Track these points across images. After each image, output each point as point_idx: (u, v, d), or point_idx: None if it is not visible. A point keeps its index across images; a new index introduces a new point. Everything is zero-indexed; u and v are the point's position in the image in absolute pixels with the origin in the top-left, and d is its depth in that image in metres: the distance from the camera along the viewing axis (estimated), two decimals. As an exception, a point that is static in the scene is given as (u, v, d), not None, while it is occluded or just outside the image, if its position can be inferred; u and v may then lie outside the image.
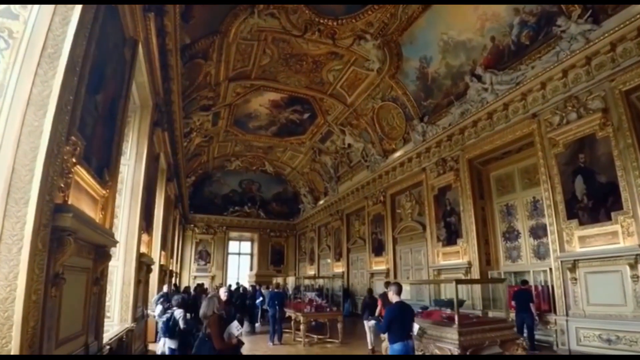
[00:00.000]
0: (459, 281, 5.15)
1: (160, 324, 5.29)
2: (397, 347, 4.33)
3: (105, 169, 3.85)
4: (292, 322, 9.59)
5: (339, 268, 18.03)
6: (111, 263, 5.85)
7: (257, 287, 13.67)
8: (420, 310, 5.31)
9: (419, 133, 12.25)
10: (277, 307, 9.14)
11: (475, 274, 9.89)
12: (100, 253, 3.64)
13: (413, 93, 12.37)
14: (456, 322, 4.25)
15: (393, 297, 4.61)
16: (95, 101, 3.55)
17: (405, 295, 12.96)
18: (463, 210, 10.51)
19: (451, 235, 10.85)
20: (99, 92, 3.61)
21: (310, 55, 12.21)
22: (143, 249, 7.02)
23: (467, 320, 4.64)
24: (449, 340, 4.12)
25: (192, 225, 22.93)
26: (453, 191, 10.97)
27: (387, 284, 8.70)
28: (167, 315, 5.61)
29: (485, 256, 10.09)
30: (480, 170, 10.86)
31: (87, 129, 3.31)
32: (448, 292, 10.76)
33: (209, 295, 4.57)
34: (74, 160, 2.92)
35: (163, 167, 10.55)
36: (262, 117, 16.27)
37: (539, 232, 9.37)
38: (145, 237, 7.15)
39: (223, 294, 4.83)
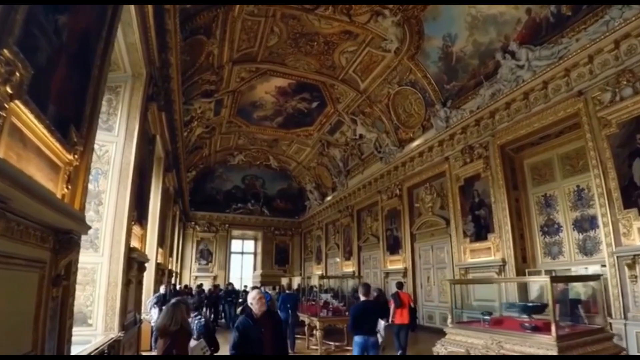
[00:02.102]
0: (554, 278, 4.06)
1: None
2: (358, 340, 4.89)
3: (72, 126, 2.79)
4: (306, 328, 8.51)
5: (349, 267, 16.95)
6: (94, 259, 4.82)
7: (265, 289, 12.67)
8: (486, 318, 4.27)
9: (441, 119, 11.18)
10: (289, 311, 8.07)
11: (511, 272, 8.83)
12: (63, 241, 2.59)
13: (434, 75, 11.30)
14: (553, 334, 3.18)
15: (361, 297, 5.15)
16: (57, 23, 2.50)
17: (424, 297, 11.95)
18: (494, 201, 9.44)
19: (480, 230, 9.78)
20: (63, 12, 2.55)
21: (322, 34, 11.16)
22: (135, 244, 5.97)
23: (561, 330, 3.57)
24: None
25: (192, 222, 21.86)
26: (482, 181, 9.90)
27: (400, 285, 8.57)
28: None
29: (520, 252, 9.03)
30: (513, 157, 9.78)
31: (39, 56, 2.26)
32: (477, 293, 9.74)
33: (172, 301, 3.25)
34: (9, 89, 1.86)
35: (160, 154, 9.50)
36: (268, 106, 15.21)
37: (584, 224, 8.29)
38: (137, 229, 6.09)
39: (253, 298, 3.20)
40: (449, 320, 4.57)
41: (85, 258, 4.79)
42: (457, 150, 10.77)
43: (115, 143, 5.40)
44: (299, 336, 8.74)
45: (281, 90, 14.11)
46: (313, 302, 9.28)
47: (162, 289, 7.89)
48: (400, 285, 8.58)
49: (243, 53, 11.44)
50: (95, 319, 4.71)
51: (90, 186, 5.05)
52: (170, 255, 14.25)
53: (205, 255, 22.20)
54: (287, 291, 8.65)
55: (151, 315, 7.28)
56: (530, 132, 8.97)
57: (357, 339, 4.90)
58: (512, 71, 9.27)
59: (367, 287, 5.24)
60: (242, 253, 24.36)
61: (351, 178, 17.32)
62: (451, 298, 5.29)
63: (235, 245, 23.98)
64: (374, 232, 15.40)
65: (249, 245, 24.69)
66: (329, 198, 19.82)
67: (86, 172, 3.12)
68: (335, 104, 14.61)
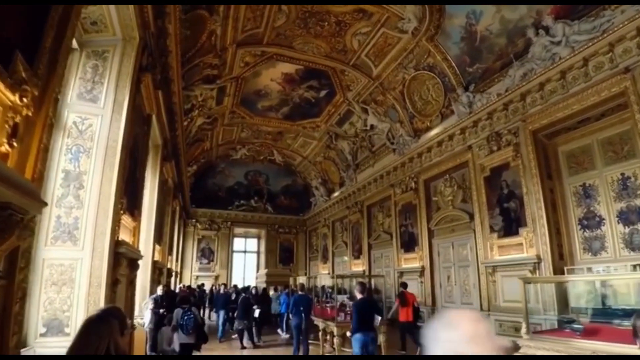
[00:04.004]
0: None
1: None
2: (358, 336, 5.02)
3: (18, 53, 1.91)
4: (320, 333, 7.61)
5: (359, 266, 16.05)
6: (73, 254, 3.96)
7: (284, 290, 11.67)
8: (578, 327, 3.39)
9: (463, 104, 10.29)
10: (302, 315, 7.18)
11: (547, 270, 7.95)
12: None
13: (455, 58, 10.41)
14: None
15: (357, 295, 5.43)
16: None
17: (444, 298, 11.05)
18: (527, 192, 8.56)
19: (510, 224, 8.89)
20: None
21: (333, 13, 10.27)
22: (125, 237, 5.09)
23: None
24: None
25: (193, 220, 20.99)
26: (511, 171, 9.02)
27: (404, 285, 9.01)
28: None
29: (557, 248, 8.15)
30: (546, 144, 8.89)
31: None
32: (506, 293, 8.86)
33: (98, 313, 1.80)
34: None
35: (157, 140, 8.63)
36: (273, 96, 14.34)
37: (631, 216, 7.39)
38: (128, 220, 5.21)
39: (476, 338, 1.03)
40: (523, 329, 3.67)
41: (62, 253, 3.94)
42: (481, 137, 9.88)
43: (100, 116, 4.53)
44: (312, 341, 7.87)
45: (288, 78, 13.23)
46: (327, 305, 8.41)
47: (159, 290, 7.01)
48: (405, 285, 8.97)
49: (248, 34, 10.56)
50: (73, 326, 3.84)
51: (70, 166, 4.22)
52: (170, 253, 13.37)
53: (206, 254, 21.34)
54: (300, 292, 7.78)
55: (144, 320, 6.40)
56: (567, 116, 8.09)
57: (358, 335, 5.03)
58: (547, 48, 8.39)
59: (363, 286, 5.60)
60: (244, 252, 23.48)
61: (360, 172, 16.42)
62: (524, 301, 4.36)
63: (238, 243, 23.12)
64: (386, 228, 14.50)
65: (252, 243, 23.82)
66: (336, 194, 18.94)
67: (45, 129, 2.25)
68: (345, 92, 13.72)
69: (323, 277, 17.62)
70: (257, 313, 9.63)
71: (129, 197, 5.16)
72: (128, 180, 5.10)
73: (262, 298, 11.75)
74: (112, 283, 4.19)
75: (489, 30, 9.46)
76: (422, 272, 11.66)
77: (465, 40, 10.00)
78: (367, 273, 14.87)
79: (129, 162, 5.17)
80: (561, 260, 8.11)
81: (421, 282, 11.67)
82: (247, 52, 11.45)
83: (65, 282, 3.88)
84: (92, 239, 4.01)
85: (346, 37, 11.12)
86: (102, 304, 3.90)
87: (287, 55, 11.81)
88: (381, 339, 6.93)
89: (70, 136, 4.33)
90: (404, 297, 7.99)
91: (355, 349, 5.13)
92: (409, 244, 12.60)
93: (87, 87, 4.61)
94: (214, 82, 11.87)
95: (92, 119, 4.48)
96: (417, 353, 7.49)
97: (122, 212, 4.65)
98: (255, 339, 9.28)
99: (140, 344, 6.24)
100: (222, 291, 12.03)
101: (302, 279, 16.56)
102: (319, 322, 7.65)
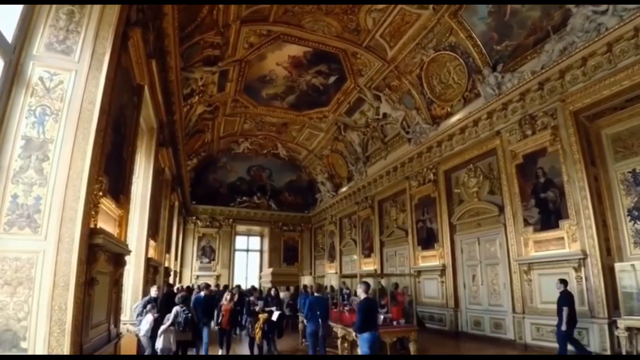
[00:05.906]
0: None
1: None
2: (366, 336, 5.09)
3: None
4: (339, 341, 6.63)
5: (369, 265, 15.07)
6: (31, 246, 3.05)
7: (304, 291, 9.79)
8: None
9: (491, 86, 9.35)
10: (319, 321, 6.21)
11: (595, 267, 7.00)
12: None
13: (481, 35, 9.46)
14: None
15: (361, 294, 5.47)
16: None
17: (469, 299, 10.10)
18: (568, 181, 7.61)
19: (549, 217, 7.94)
20: None
21: (347, -14, 9.33)
22: (108, 227, 4.14)
23: None
24: None
25: (194, 217, 20.03)
26: (549, 157, 8.08)
27: (396, 285, 9.92)
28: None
29: (604, 242, 7.20)
30: (587, 127, 7.95)
31: None
32: (544, 294, 7.90)
33: None
34: None
35: (152, 122, 7.68)
36: (279, 82, 13.38)
37: (695, 206, 6.47)
38: (110, 205, 4.25)
39: None
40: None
41: (18, 243, 3.02)
42: (512, 121, 8.93)
43: (74, 72, 3.60)
44: (330, 349, 6.87)
45: (295, 61, 12.27)
46: (345, 308, 7.43)
47: (153, 292, 6.07)
48: (396, 286, 9.68)
49: (253, 10, 9.61)
50: (32, 340, 2.91)
51: (32, 132, 3.30)
52: (168, 251, 12.42)
53: (207, 253, 20.38)
54: (315, 294, 6.79)
55: (139, 328, 5.46)
56: (614, 93, 7.17)
57: (366, 335, 5.04)
58: (589, 19, 7.46)
59: (367, 285, 5.51)
60: (247, 250, 22.51)
61: (371, 165, 15.44)
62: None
63: (240, 242, 22.14)
64: (400, 224, 13.52)
65: (255, 242, 22.86)
66: (344, 189, 17.97)
67: None
68: (356, 78, 12.76)
69: (330, 276, 16.67)
70: (275, 316, 7.62)
71: (112, 178, 4.21)
72: (111, 156, 4.17)
73: (276, 300, 9.75)
74: (86, 283, 3.25)
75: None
76: (443, 270, 10.69)
77: (493, 14, 9.06)
78: (378, 272, 13.91)
79: (113, 135, 4.24)
80: (609, 255, 7.17)
81: (442, 282, 10.71)
82: (252, 31, 10.50)
83: (22, 282, 2.94)
84: (58, 226, 3.08)
85: (360, 15, 10.17)
86: (70, 312, 2.96)
87: (295, 35, 10.86)
88: (412, 347, 6.00)
89: (35, 95, 3.41)
90: (394, 297, 8.68)
91: (363, 348, 5.12)
92: (427, 240, 11.63)
93: (59, 36, 3.68)
94: (215, 64, 10.91)
95: (63, 74, 3.56)
96: None
97: (100, 194, 3.71)
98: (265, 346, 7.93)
99: (129, 354, 5.30)
100: (202, 293, 7.94)
101: (307, 279, 15.64)
102: (338, 329, 6.67)
